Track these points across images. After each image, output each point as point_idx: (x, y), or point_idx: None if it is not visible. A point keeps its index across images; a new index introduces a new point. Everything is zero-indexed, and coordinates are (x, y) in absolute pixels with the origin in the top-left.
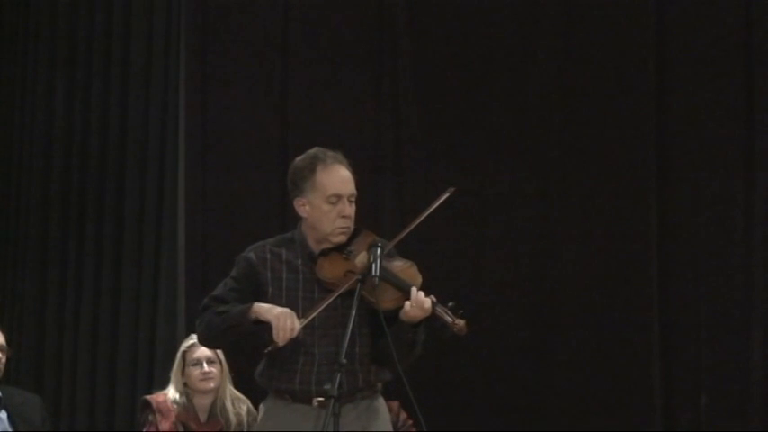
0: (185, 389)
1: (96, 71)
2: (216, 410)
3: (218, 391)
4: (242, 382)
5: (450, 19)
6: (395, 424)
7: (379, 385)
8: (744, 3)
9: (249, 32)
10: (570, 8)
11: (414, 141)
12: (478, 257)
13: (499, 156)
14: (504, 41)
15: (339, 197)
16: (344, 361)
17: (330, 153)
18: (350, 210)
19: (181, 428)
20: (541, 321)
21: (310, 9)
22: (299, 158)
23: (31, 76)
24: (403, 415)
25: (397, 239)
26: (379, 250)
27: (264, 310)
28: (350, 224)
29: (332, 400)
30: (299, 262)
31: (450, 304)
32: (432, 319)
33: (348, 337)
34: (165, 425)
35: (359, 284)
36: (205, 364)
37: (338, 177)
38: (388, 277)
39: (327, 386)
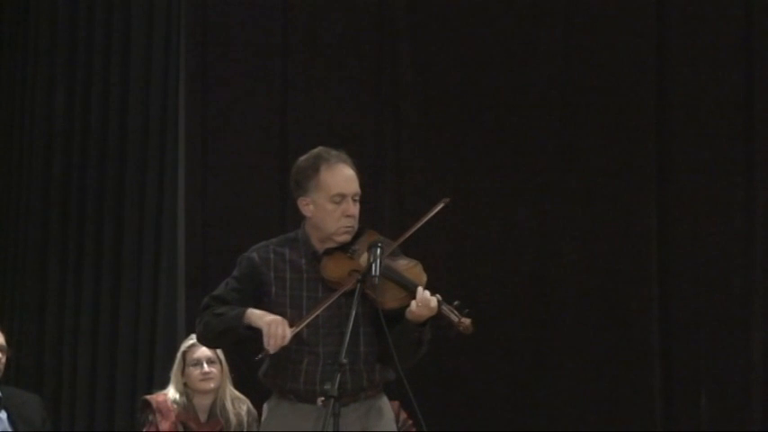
0: (185, 389)
1: (96, 71)
2: (216, 411)
3: (218, 391)
4: (242, 382)
5: (450, 19)
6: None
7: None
8: (744, 2)
9: (249, 32)
10: (570, 8)
11: (414, 141)
12: (478, 257)
13: (499, 156)
14: (504, 41)
15: (343, 196)
16: (345, 361)
17: (334, 152)
18: (354, 209)
19: (181, 428)
20: (541, 321)
21: (310, 9)
22: (302, 158)
23: (31, 76)
24: (403, 415)
25: (393, 246)
26: (379, 250)
27: (257, 316)
28: (354, 223)
29: (332, 400)
30: (303, 261)
31: (455, 303)
32: (437, 318)
33: (348, 337)
34: (165, 425)
35: (359, 284)
36: (205, 365)
37: (342, 176)
38: (392, 276)
39: (328, 386)
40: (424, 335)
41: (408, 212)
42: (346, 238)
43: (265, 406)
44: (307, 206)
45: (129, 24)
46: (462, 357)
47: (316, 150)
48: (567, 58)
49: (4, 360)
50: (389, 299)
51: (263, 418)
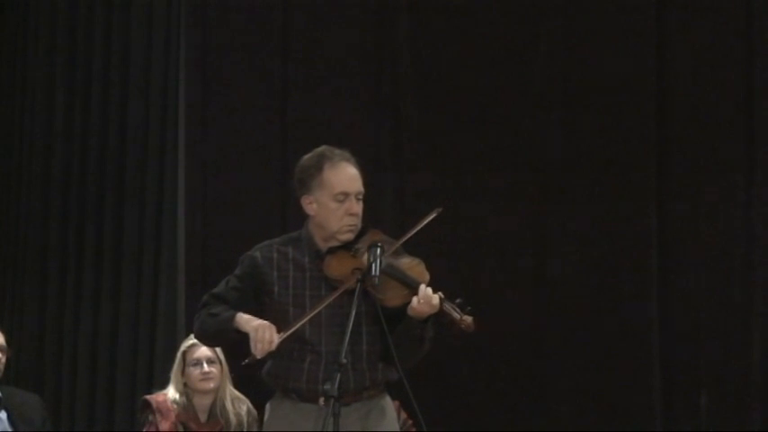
0: (185, 389)
1: (96, 71)
2: (216, 411)
3: (218, 391)
4: (242, 382)
5: (451, 19)
6: None
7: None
8: (744, 2)
9: (249, 32)
10: (570, 8)
11: (414, 141)
12: (478, 257)
13: (499, 155)
14: (505, 41)
15: (346, 195)
16: (344, 361)
17: (337, 151)
18: (357, 208)
19: (181, 428)
20: (541, 321)
21: (310, 9)
22: (306, 157)
23: (31, 76)
24: (403, 415)
25: (391, 249)
26: (378, 250)
27: (244, 321)
28: (357, 222)
29: (332, 400)
30: (306, 260)
31: (457, 300)
32: (439, 316)
33: (348, 336)
34: (164, 425)
35: (359, 284)
36: (205, 365)
37: (345, 175)
38: (395, 274)
39: (328, 386)
40: (426, 332)
41: (408, 212)
42: (349, 236)
43: (268, 405)
44: (310, 205)
45: (129, 24)
46: (462, 357)
47: (319, 149)
48: (567, 58)
49: (4, 360)
50: (392, 297)
51: (265, 418)
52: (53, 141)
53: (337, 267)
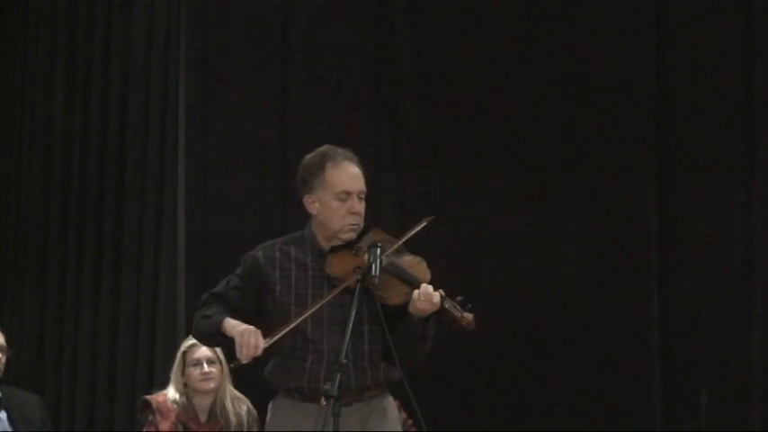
0: (185, 389)
1: (96, 71)
2: (216, 411)
3: (218, 391)
4: (242, 382)
5: (451, 19)
6: None
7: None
8: (744, 2)
9: (249, 33)
10: (570, 8)
11: (414, 141)
12: (478, 257)
13: (499, 155)
14: (504, 41)
15: (348, 194)
16: (344, 361)
17: (340, 150)
18: (359, 207)
19: (181, 428)
20: (541, 321)
21: (310, 9)
22: (308, 156)
23: (31, 76)
24: (403, 415)
25: (388, 252)
26: (378, 250)
27: (230, 326)
28: (359, 221)
29: (332, 400)
30: (309, 259)
31: (458, 298)
32: (440, 314)
33: (348, 336)
34: (165, 425)
35: (359, 284)
36: (205, 365)
37: (347, 174)
38: (396, 272)
39: (328, 386)
40: (428, 330)
41: (408, 213)
42: (351, 235)
43: (270, 405)
44: (312, 204)
45: (129, 24)
46: (462, 357)
47: (322, 148)
48: (567, 57)
49: (4, 360)
50: (393, 295)
51: (267, 418)
52: (53, 141)
53: (339, 266)
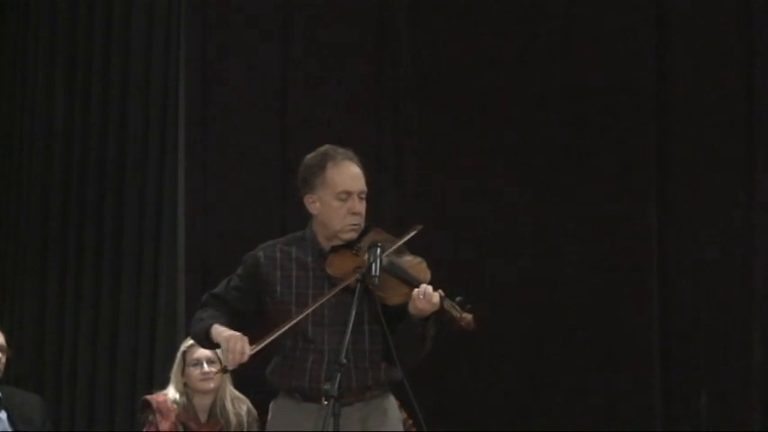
0: (185, 389)
1: (96, 71)
2: (216, 411)
3: (218, 391)
4: (242, 382)
5: (451, 19)
6: None
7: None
8: (744, 2)
9: (249, 32)
10: (570, 8)
11: (414, 141)
12: (478, 257)
13: (499, 155)
14: (505, 41)
15: (349, 194)
16: (345, 361)
17: (341, 150)
18: (360, 207)
19: (181, 429)
20: (541, 321)
21: (310, 9)
22: (309, 156)
23: (31, 76)
24: (403, 415)
25: (385, 254)
26: (378, 250)
27: (217, 332)
28: (360, 221)
29: (332, 400)
30: (310, 259)
31: (457, 299)
32: (440, 314)
33: (348, 336)
34: (165, 425)
35: (359, 284)
36: (205, 365)
37: (348, 174)
38: (396, 272)
39: (327, 386)
40: (427, 331)
41: (408, 213)
42: (352, 235)
43: (271, 405)
44: (313, 204)
45: (129, 24)
46: (462, 357)
47: (323, 148)
48: (567, 57)
49: (4, 360)
50: (393, 295)
51: (268, 417)
52: (53, 141)
53: (339, 266)
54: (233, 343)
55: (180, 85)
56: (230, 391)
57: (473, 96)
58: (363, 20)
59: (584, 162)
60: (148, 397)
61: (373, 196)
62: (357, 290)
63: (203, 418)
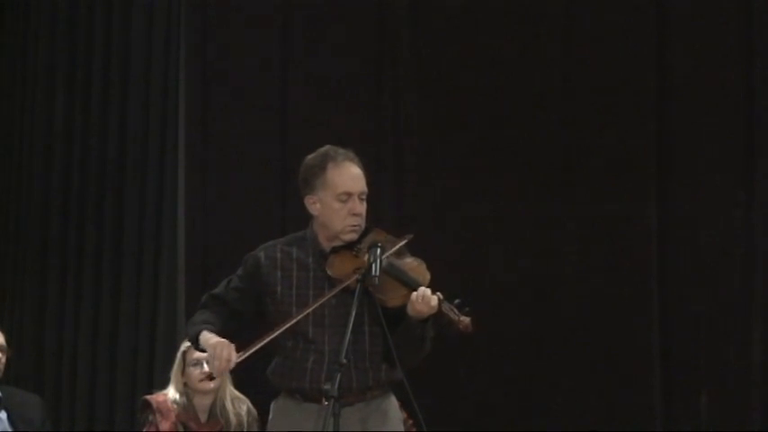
0: (185, 389)
1: (96, 71)
2: (216, 411)
3: (218, 391)
4: (242, 382)
5: (451, 19)
6: None
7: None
8: (744, 2)
9: (249, 32)
10: (570, 8)
11: (414, 141)
12: (478, 257)
13: (499, 155)
14: (505, 41)
15: (349, 195)
16: (345, 361)
17: (341, 151)
18: (360, 207)
19: (181, 429)
20: (541, 321)
21: (310, 9)
22: (310, 156)
23: (31, 76)
24: (403, 415)
25: (384, 255)
26: (378, 251)
27: (205, 339)
28: (360, 222)
29: (332, 401)
30: (311, 260)
31: (456, 301)
32: (438, 317)
33: (348, 337)
34: (165, 425)
35: (359, 284)
36: (205, 365)
37: (349, 175)
38: (396, 274)
39: (327, 386)
40: (427, 332)
41: (408, 213)
42: (353, 236)
43: (272, 405)
44: (314, 204)
45: (129, 24)
46: (462, 357)
47: (323, 149)
48: (567, 57)
49: (4, 360)
50: (392, 297)
51: (269, 418)
52: (53, 141)
53: (340, 267)
54: (219, 350)
55: (180, 85)
56: (230, 391)
57: (473, 96)
58: (363, 19)
59: (584, 162)
60: (148, 397)
61: (373, 196)
62: (357, 290)
63: (203, 418)
